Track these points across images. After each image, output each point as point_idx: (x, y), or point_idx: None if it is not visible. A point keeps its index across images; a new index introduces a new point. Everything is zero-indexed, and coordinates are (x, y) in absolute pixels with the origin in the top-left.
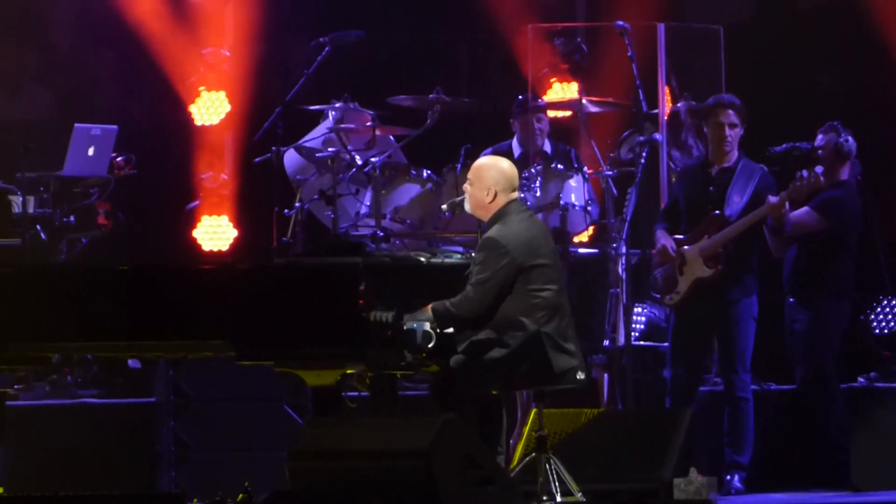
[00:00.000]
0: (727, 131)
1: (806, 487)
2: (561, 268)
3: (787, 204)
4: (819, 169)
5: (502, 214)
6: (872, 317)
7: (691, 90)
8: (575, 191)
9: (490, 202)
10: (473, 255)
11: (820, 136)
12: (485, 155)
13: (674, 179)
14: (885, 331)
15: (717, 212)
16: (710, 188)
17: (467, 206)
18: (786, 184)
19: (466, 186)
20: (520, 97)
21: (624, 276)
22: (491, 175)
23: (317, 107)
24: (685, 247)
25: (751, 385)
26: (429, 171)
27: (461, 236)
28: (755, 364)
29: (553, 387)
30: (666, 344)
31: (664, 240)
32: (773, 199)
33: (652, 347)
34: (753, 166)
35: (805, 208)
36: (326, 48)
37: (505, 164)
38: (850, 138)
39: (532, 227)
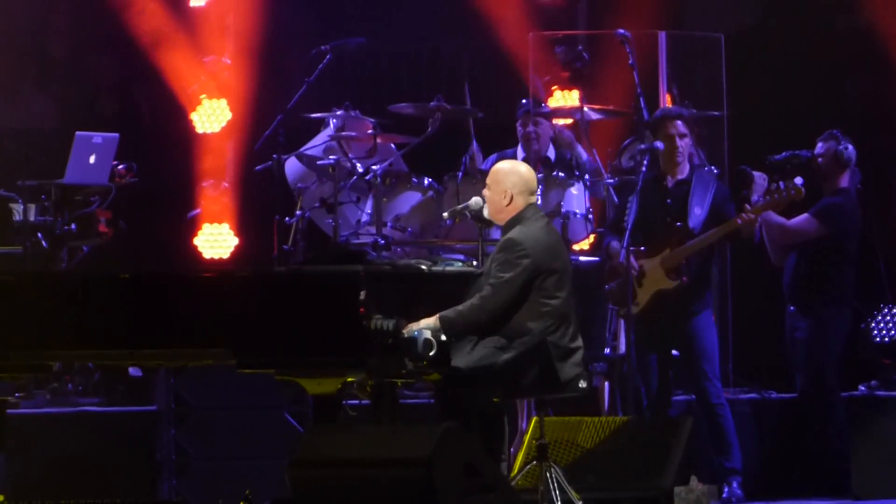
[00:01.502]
0: (678, 142)
1: (806, 496)
2: (570, 277)
3: (758, 217)
4: (799, 180)
5: (520, 219)
6: (873, 325)
7: (692, 98)
8: (576, 199)
9: (507, 205)
10: (493, 255)
11: (820, 144)
12: (489, 161)
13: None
14: (886, 339)
15: (679, 224)
16: (668, 200)
17: (486, 211)
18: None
19: (485, 192)
20: (523, 101)
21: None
22: (509, 179)
23: (318, 115)
24: (645, 259)
25: (722, 390)
26: (430, 179)
27: (462, 244)
28: (756, 372)
29: (557, 395)
30: None
31: (621, 252)
32: (746, 213)
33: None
34: (707, 177)
35: (805, 215)
36: (327, 56)
37: (523, 167)
38: (849, 146)
39: (550, 232)
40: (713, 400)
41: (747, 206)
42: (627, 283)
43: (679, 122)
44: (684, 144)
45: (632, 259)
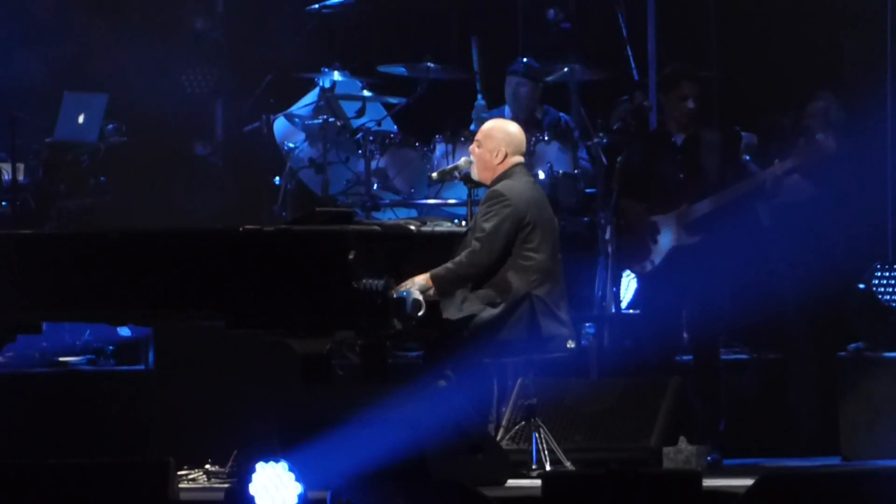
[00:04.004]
0: (691, 104)
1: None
2: (557, 235)
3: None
4: (821, 136)
5: (506, 175)
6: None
7: (681, 58)
8: (565, 159)
9: (498, 163)
10: (478, 209)
11: (810, 105)
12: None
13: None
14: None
15: (696, 179)
16: (678, 157)
17: (473, 170)
18: (774, 151)
19: (473, 148)
20: (524, 60)
21: (612, 245)
22: (501, 136)
23: (307, 75)
24: (660, 216)
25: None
26: (419, 140)
27: (451, 205)
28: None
29: (542, 353)
30: None
31: (635, 209)
32: (778, 167)
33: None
34: (714, 132)
35: (794, 175)
36: (317, 15)
37: (513, 127)
38: (838, 107)
39: (534, 189)
40: (715, 362)
41: (776, 162)
42: (643, 240)
43: (689, 82)
44: (694, 105)
45: (645, 215)
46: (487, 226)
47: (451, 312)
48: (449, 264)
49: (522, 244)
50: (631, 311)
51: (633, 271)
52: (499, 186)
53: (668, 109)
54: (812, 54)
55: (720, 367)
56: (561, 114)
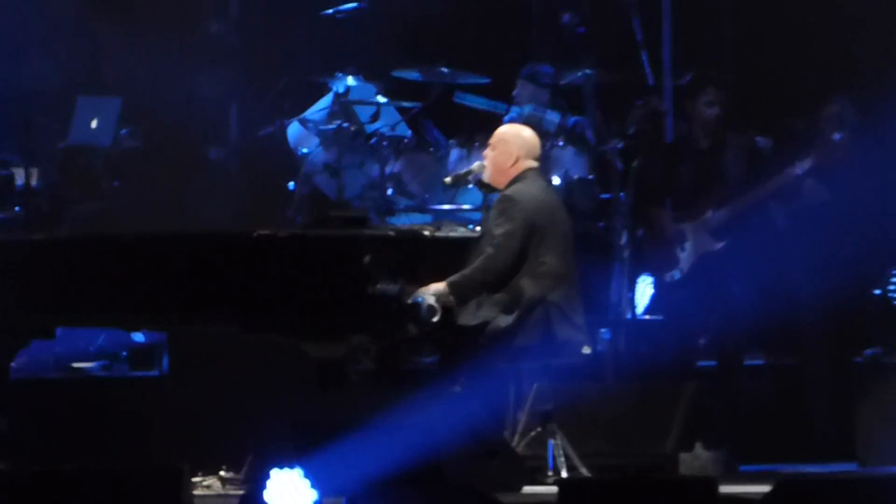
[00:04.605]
0: (716, 109)
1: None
2: (571, 240)
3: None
4: (837, 136)
5: (520, 179)
6: (892, 288)
7: (695, 60)
8: (580, 164)
9: (511, 167)
10: (489, 214)
11: (823, 110)
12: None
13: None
14: None
15: (720, 185)
16: (702, 163)
17: (485, 175)
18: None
19: (487, 152)
20: (543, 68)
21: (627, 250)
22: (516, 141)
23: (321, 79)
24: (684, 224)
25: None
26: (434, 145)
27: (466, 211)
28: (764, 337)
29: (557, 359)
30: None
31: (664, 218)
32: (797, 167)
33: (659, 321)
34: (740, 138)
35: (808, 180)
36: (331, 20)
37: (528, 131)
38: (851, 110)
39: (547, 193)
40: (739, 367)
41: (797, 162)
42: (671, 248)
43: (715, 88)
44: (720, 110)
45: (672, 223)
46: (500, 231)
47: (467, 318)
48: (465, 271)
49: (535, 249)
50: (648, 316)
51: (660, 280)
52: (509, 191)
53: (692, 115)
54: (826, 58)
55: (742, 372)
56: (576, 118)
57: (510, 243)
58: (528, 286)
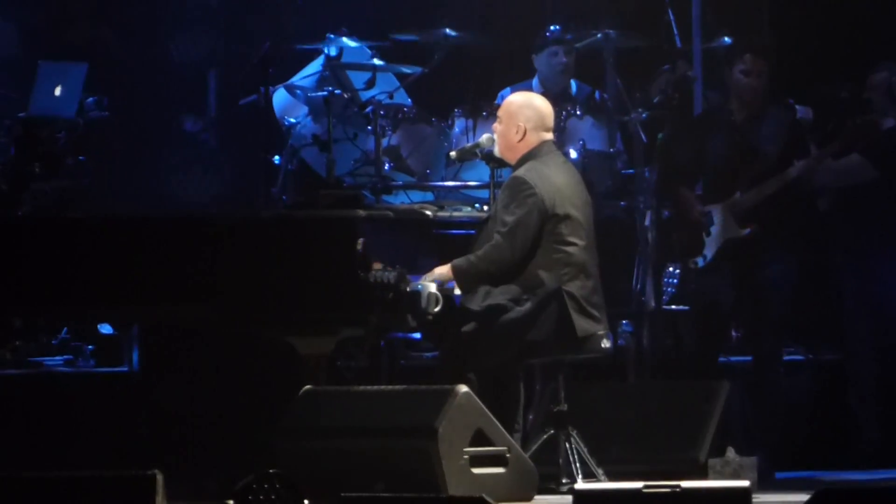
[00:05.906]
0: (756, 80)
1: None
2: (591, 224)
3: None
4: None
5: (532, 156)
6: None
7: (730, 25)
8: (600, 137)
9: (519, 141)
10: (499, 195)
11: (871, 77)
12: (501, 95)
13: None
14: None
15: (752, 164)
16: (737, 139)
17: (496, 149)
18: (830, 130)
19: (496, 126)
20: (547, 30)
21: (652, 233)
22: (523, 112)
23: (310, 44)
24: (711, 206)
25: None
26: (436, 115)
27: (471, 188)
28: (806, 332)
29: (576, 355)
30: None
31: (690, 199)
32: (818, 153)
33: (686, 311)
34: (781, 111)
35: (854, 155)
36: None
37: (539, 100)
38: None
39: (565, 172)
40: (775, 364)
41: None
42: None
43: (754, 56)
44: (758, 81)
45: (700, 206)
46: (510, 219)
47: (473, 303)
48: (471, 257)
49: (552, 236)
50: (674, 307)
51: (684, 267)
52: (522, 172)
53: (730, 85)
54: (873, 20)
55: (781, 370)
56: (596, 88)
57: (521, 233)
58: (543, 275)
